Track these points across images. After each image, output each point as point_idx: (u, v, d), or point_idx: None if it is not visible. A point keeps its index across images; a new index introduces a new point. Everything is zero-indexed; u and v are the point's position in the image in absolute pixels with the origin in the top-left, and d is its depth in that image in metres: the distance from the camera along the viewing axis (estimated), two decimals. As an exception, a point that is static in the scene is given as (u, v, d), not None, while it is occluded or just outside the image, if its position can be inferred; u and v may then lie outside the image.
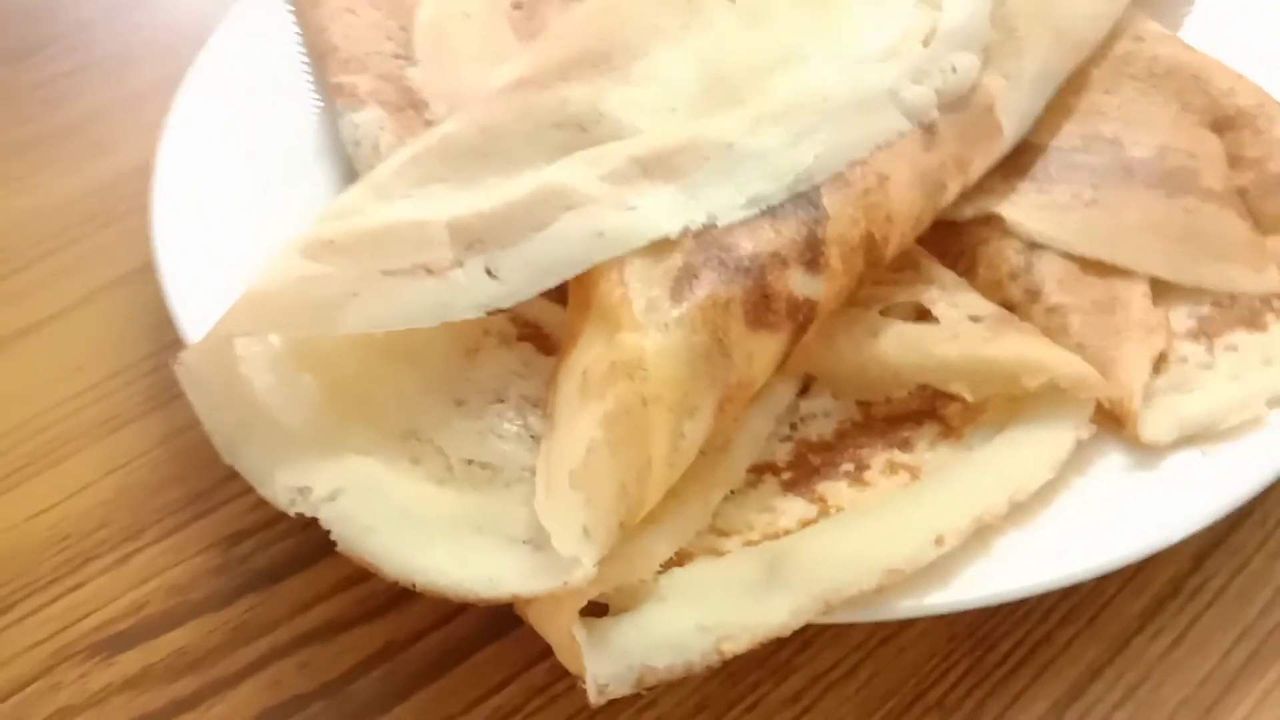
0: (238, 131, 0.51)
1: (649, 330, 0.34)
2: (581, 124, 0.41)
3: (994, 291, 0.43)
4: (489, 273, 0.37)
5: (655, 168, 0.39)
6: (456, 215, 0.38)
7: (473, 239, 0.37)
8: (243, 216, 0.47)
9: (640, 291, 0.35)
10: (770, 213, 0.38)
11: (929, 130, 0.42)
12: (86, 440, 0.44)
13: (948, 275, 0.42)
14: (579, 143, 0.41)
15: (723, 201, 0.38)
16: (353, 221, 0.38)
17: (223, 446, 0.36)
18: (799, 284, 0.37)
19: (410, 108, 0.49)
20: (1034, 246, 0.43)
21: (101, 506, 0.42)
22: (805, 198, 0.39)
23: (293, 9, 0.55)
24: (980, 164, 0.43)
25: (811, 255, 0.37)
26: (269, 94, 0.53)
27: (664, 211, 0.38)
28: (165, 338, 0.43)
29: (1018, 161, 0.45)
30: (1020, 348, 0.38)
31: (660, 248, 0.37)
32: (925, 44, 0.44)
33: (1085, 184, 0.44)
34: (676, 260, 0.36)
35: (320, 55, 0.52)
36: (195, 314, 0.42)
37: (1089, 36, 0.47)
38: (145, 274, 0.45)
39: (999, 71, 0.45)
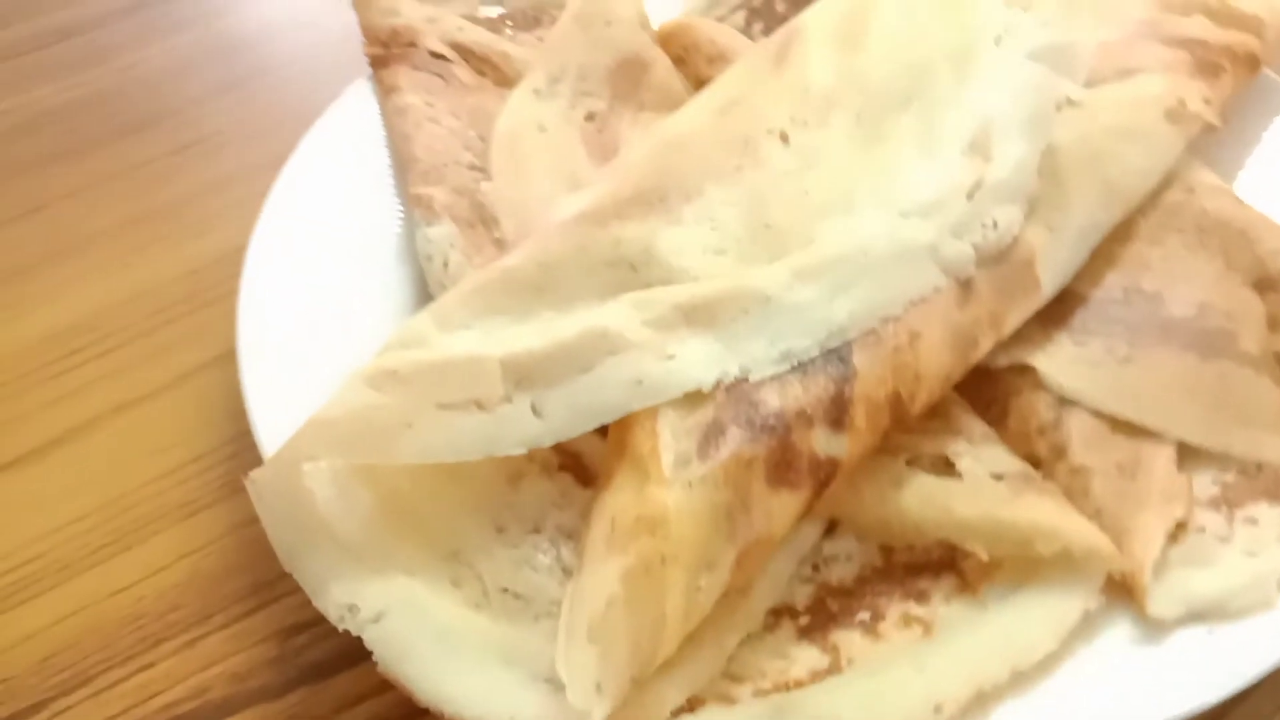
0: (328, 228, 0.55)
1: (674, 487, 0.37)
2: (632, 264, 0.44)
3: (1022, 444, 0.44)
4: (534, 410, 0.40)
5: (696, 316, 0.42)
6: (509, 352, 0.41)
7: (522, 376, 0.40)
8: (324, 315, 0.51)
9: (670, 444, 0.38)
10: (801, 368, 0.40)
11: (965, 286, 0.44)
12: (166, 523, 0.49)
13: (976, 427, 0.44)
14: (629, 282, 0.44)
15: (757, 354, 0.40)
16: (415, 353, 0.41)
17: (284, 556, 0.39)
18: (822, 443, 0.39)
19: (481, 224, 0.52)
20: (1064, 401, 0.44)
21: (175, 589, 0.46)
22: (836, 354, 0.41)
23: (382, 115, 0.59)
24: (1016, 319, 0.44)
25: (837, 414, 0.39)
26: (362, 191, 0.56)
27: (700, 362, 0.40)
28: (244, 425, 0.47)
29: (1057, 310, 0.46)
30: (1037, 513, 0.40)
31: (693, 399, 0.39)
32: (970, 197, 0.45)
33: (1121, 339, 0.45)
34: (707, 414, 0.39)
35: (403, 163, 0.55)
36: (269, 411, 0.46)
37: (1138, 189, 0.48)
38: (232, 358, 0.49)
39: (1043, 223, 0.46)
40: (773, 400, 0.39)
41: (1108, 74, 0.51)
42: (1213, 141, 0.52)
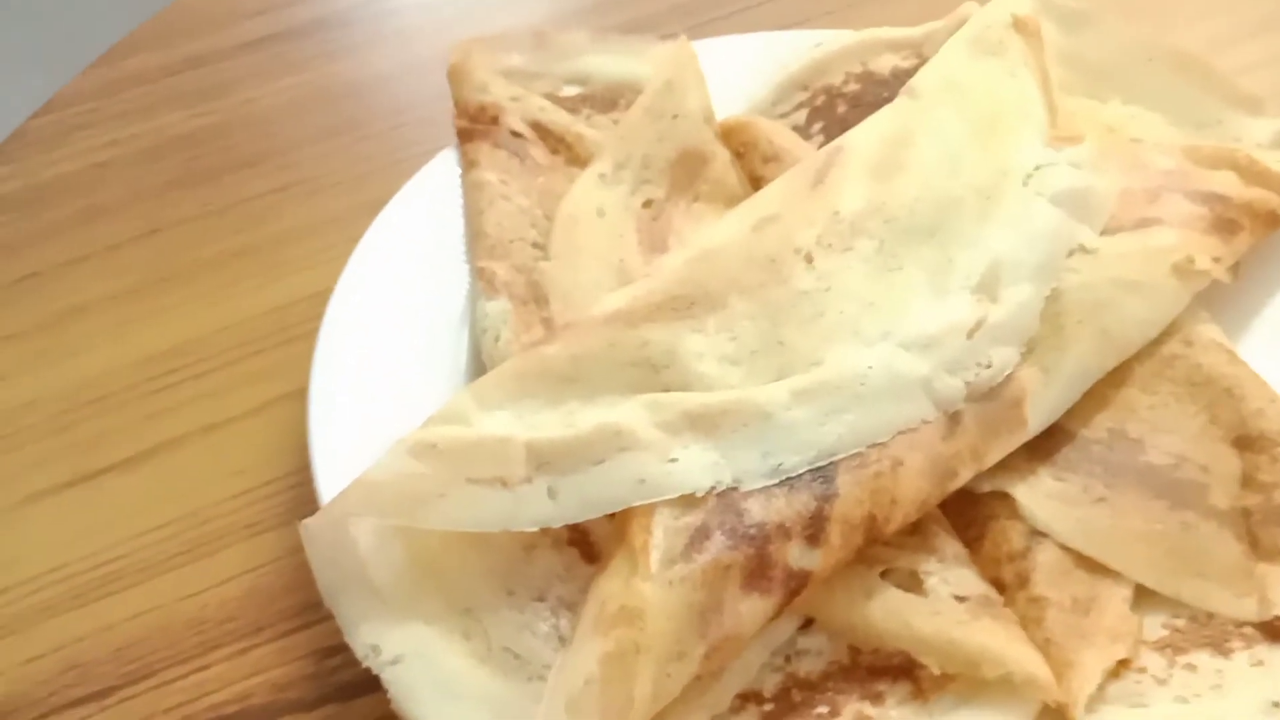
0: (405, 285, 0.61)
1: (657, 583, 0.42)
2: (655, 365, 0.49)
3: (992, 568, 0.48)
4: (550, 493, 0.46)
5: (701, 423, 0.47)
6: (535, 438, 0.47)
7: (543, 461, 0.46)
8: (391, 367, 0.57)
9: (660, 542, 0.43)
10: (788, 483, 0.45)
11: (953, 419, 0.48)
12: (234, 539, 0.56)
13: (949, 547, 0.48)
14: (649, 382, 0.49)
15: (750, 466, 0.45)
16: (453, 429, 0.47)
17: (326, 594, 0.46)
18: (796, 556, 0.44)
19: (534, 301, 0.58)
20: (1036, 533, 0.48)
21: (235, 601, 0.53)
22: (822, 473, 0.46)
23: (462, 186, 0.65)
24: (998, 453, 0.49)
25: (814, 530, 0.44)
26: (440, 255, 0.62)
27: (698, 468, 0.45)
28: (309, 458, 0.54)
29: (1043, 443, 0.50)
30: (987, 638, 0.44)
31: (688, 501, 0.45)
32: (970, 335, 0.50)
33: (1099, 480, 0.49)
34: (697, 517, 0.44)
35: (474, 236, 0.62)
36: (329, 456, 0.52)
37: (1136, 340, 0.52)
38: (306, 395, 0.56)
39: (1038, 364, 0.50)
40: (757, 511, 0.44)
41: (1125, 223, 0.55)
42: (1227, 289, 0.55)
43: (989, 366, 0.49)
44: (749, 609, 0.43)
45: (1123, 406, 0.51)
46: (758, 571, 0.43)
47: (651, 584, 0.42)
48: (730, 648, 0.43)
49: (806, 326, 0.51)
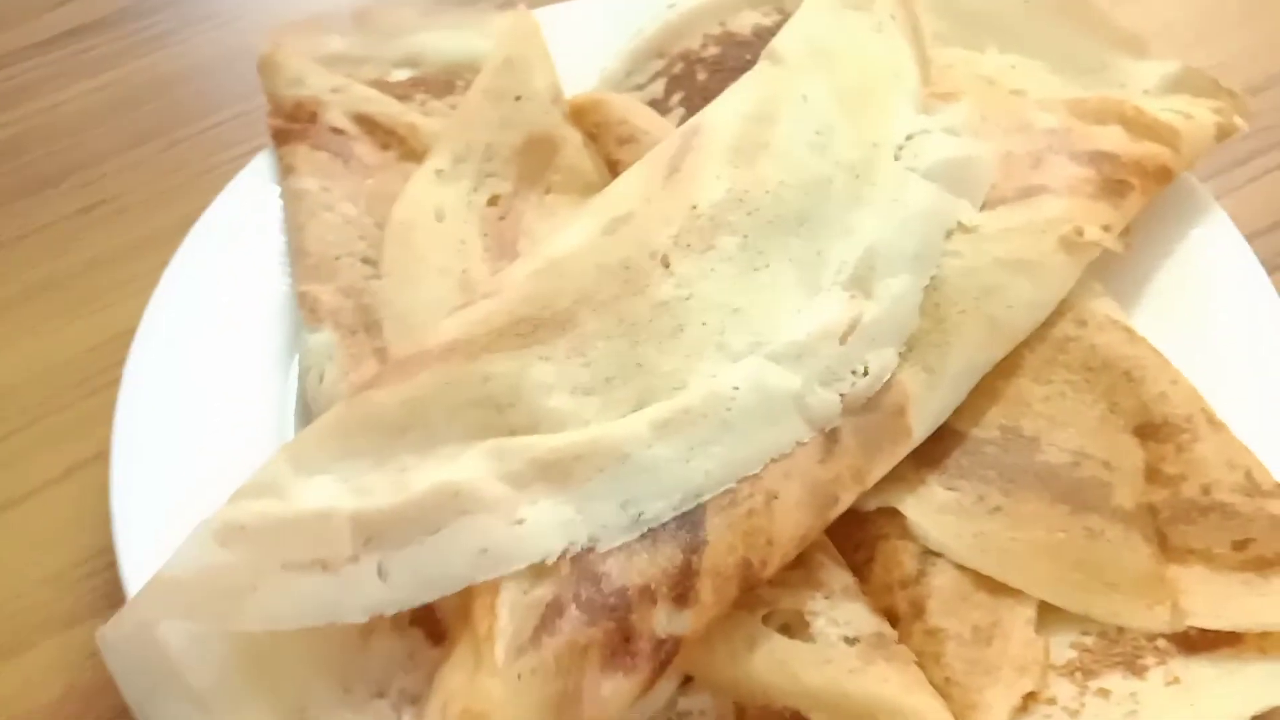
0: (219, 316, 0.54)
1: (505, 678, 0.37)
2: (498, 405, 0.43)
3: (884, 595, 0.44)
4: (380, 573, 0.40)
5: (552, 472, 0.41)
6: (360, 508, 0.41)
7: (371, 534, 0.40)
8: (207, 417, 0.51)
9: (507, 627, 0.38)
10: (651, 535, 0.40)
11: (830, 437, 0.43)
12: (44, 633, 0.49)
13: (836, 580, 0.43)
14: (493, 424, 0.43)
15: (608, 520, 0.40)
16: (266, 503, 0.41)
17: (136, 708, 0.39)
18: (664, 623, 0.39)
19: (364, 330, 0.51)
20: (929, 553, 0.44)
21: (49, 706, 0.47)
22: (689, 518, 0.40)
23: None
24: (881, 470, 0.44)
25: (683, 589, 0.39)
26: (260, 273, 0.55)
27: (548, 529, 0.40)
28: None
29: (931, 447, 0.46)
30: (882, 689, 0.40)
31: (537, 572, 0.39)
32: (843, 340, 0.45)
33: (994, 486, 0.45)
34: (548, 590, 0.39)
35: (295, 255, 0.55)
36: (135, 527, 0.46)
37: (1025, 325, 0.47)
38: (120, 453, 0.49)
39: (920, 364, 0.46)
40: (616, 574, 0.39)
41: (1008, 193, 0.50)
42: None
43: (865, 374, 0.44)
44: (613, 691, 0.38)
45: (1015, 400, 0.47)
46: (620, 648, 0.38)
47: (498, 680, 0.36)
48: (595, 734, 0.38)
49: (666, 344, 0.45)
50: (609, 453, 0.41)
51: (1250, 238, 0.55)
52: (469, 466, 0.41)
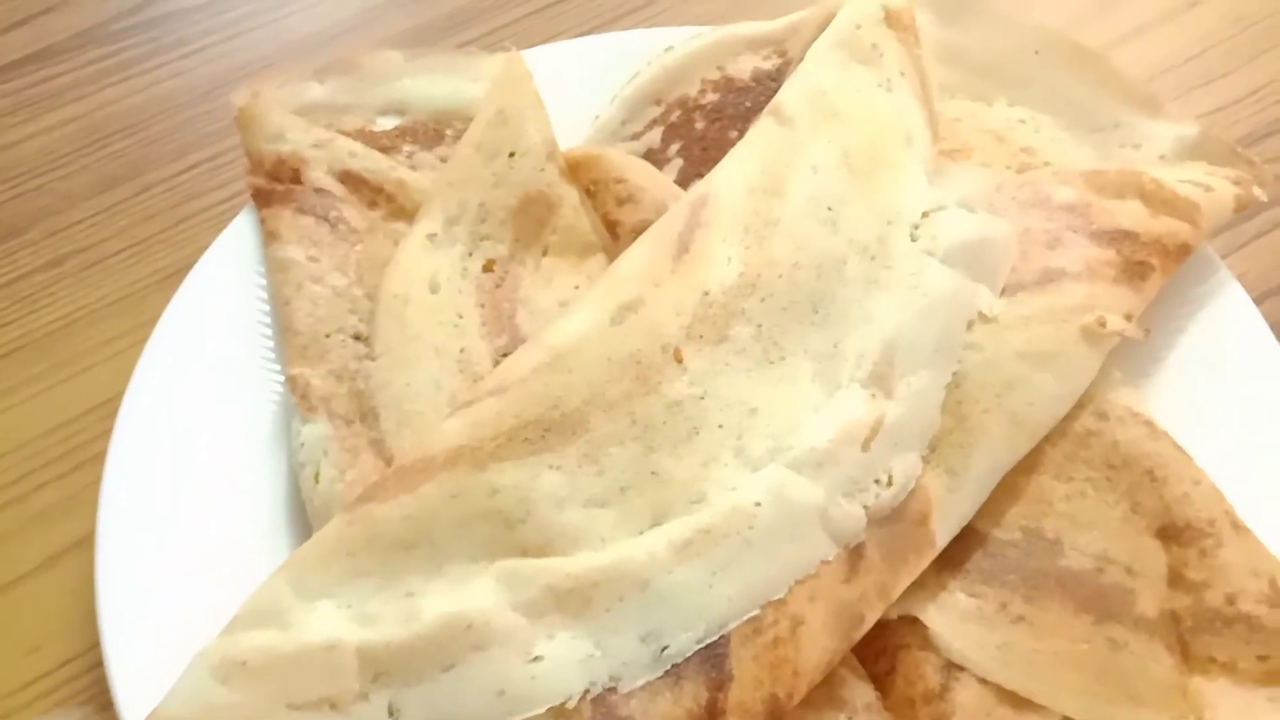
0: (209, 390, 0.51)
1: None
2: (508, 520, 0.42)
3: (906, 709, 0.43)
4: (391, 712, 0.38)
5: (569, 601, 0.40)
6: (367, 641, 0.39)
7: (380, 670, 0.39)
8: (198, 504, 0.48)
9: (529, 775, 0.36)
10: (674, 672, 0.39)
11: (855, 553, 0.42)
12: (30, 744, 0.47)
13: (859, 696, 0.42)
14: (504, 541, 0.42)
15: (629, 655, 0.39)
16: (267, 636, 0.39)
17: None
18: (688, 763, 0.37)
19: (359, 419, 0.49)
20: (952, 666, 0.43)
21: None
22: (713, 651, 0.39)
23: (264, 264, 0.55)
24: (905, 583, 0.43)
25: (709, 729, 0.38)
26: (253, 342, 0.53)
27: (567, 667, 0.38)
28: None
29: (953, 551, 0.45)
30: (910, 819, 0.39)
31: (557, 715, 0.38)
32: (865, 446, 0.43)
33: (1017, 593, 0.44)
34: (570, 739, 0.37)
35: (282, 332, 0.52)
36: (125, 629, 0.44)
37: (1048, 420, 0.46)
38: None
39: (942, 466, 0.44)
40: (640, 718, 0.38)
41: (1026, 277, 0.48)
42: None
43: (890, 484, 0.43)
44: (639, 844, 0.37)
45: (1037, 499, 0.46)
46: (647, 797, 0.37)
47: (521, 837, 0.35)
48: None
49: (682, 448, 0.43)
50: (629, 579, 0.40)
51: (1259, 299, 0.54)
52: (480, 594, 0.40)
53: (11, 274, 0.61)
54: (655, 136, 0.61)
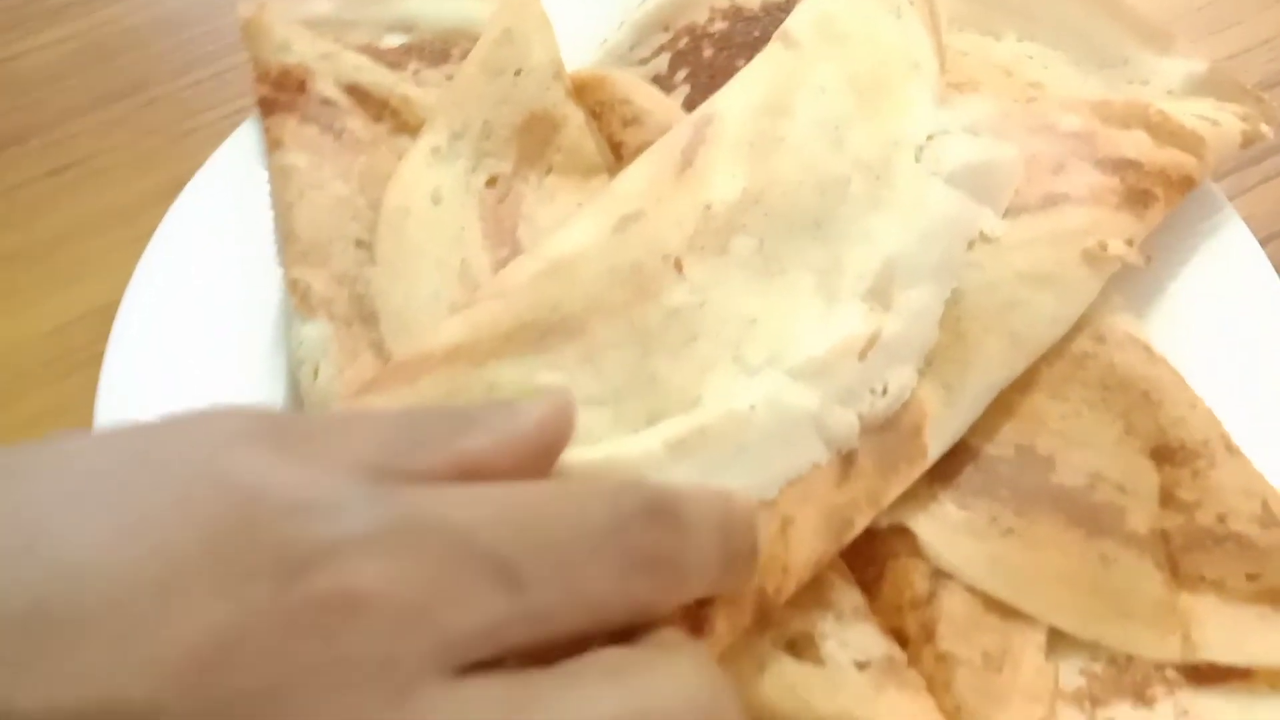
0: (207, 295, 0.51)
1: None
2: (504, 414, 0.42)
3: (894, 615, 0.43)
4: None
5: (562, 493, 0.40)
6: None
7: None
8: (192, 396, 0.48)
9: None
10: (664, 564, 0.39)
11: (847, 460, 0.42)
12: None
13: (846, 599, 0.43)
14: (499, 435, 0.42)
15: (620, 545, 0.39)
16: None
17: None
18: (676, 653, 0.38)
19: (360, 321, 0.49)
20: (940, 573, 0.43)
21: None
22: (703, 545, 0.39)
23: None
24: (895, 491, 0.43)
25: (696, 619, 0.38)
26: (253, 248, 0.53)
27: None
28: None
29: (945, 464, 0.45)
30: (893, 716, 0.39)
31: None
32: (862, 356, 0.43)
33: (1008, 506, 0.44)
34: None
35: (284, 238, 0.52)
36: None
37: (1045, 340, 0.46)
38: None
39: (939, 381, 0.44)
40: (629, 604, 0.38)
41: (1030, 200, 0.48)
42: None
43: (885, 393, 0.43)
44: (625, 725, 0.37)
45: (1031, 417, 0.46)
46: (633, 680, 0.37)
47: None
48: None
49: (680, 354, 0.43)
50: (623, 474, 0.40)
51: (1265, 241, 0.54)
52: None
53: (12, 180, 0.61)
54: (663, 62, 0.61)
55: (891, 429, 0.43)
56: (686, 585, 0.28)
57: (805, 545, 0.40)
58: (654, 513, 0.29)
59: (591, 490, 0.31)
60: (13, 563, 0.24)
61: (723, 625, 0.38)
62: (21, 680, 0.22)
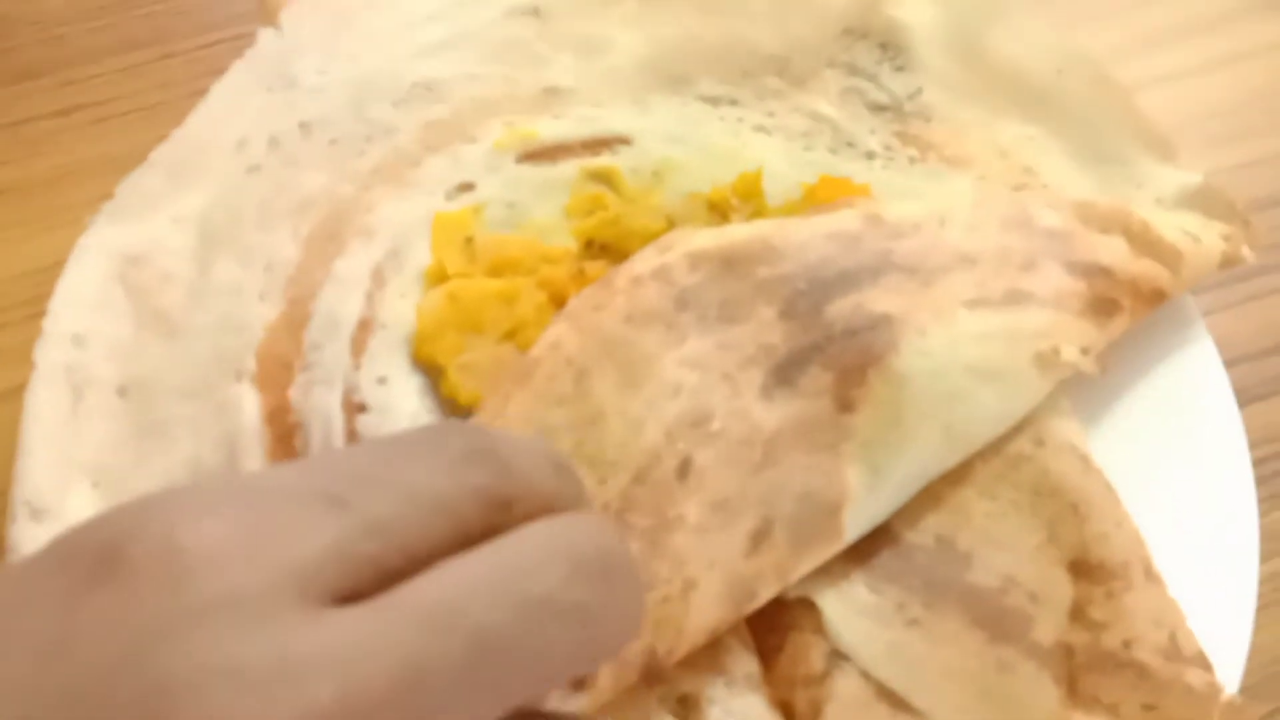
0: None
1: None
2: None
3: (786, 688, 0.43)
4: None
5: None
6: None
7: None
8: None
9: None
10: (558, 609, 0.39)
11: (761, 532, 0.42)
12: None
13: (740, 666, 0.43)
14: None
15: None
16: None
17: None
18: (557, 704, 0.38)
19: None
20: (838, 655, 0.43)
21: None
22: (600, 596, 0.40)
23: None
24: (805, 570, 0.43)
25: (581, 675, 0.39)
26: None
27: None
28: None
29: (863, 543, 0.45)
30: (759, 796, 0.40)
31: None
32: (794, 429, 0.43)
33: (918, 597, 0.44)
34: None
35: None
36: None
37: (983, 436, 0.46)
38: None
39: (868, 462, 0.44)
40: (515, 645, 0.38)
41: (994, 295, 0.48)
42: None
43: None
44: (491, 764, 0.37)
45: (957, 510, 0.46)
46: (506, 722, 0.37)
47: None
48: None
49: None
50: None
51: (1232, 362, 0.54)
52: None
53: (20, 115, 0.62)
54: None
55: (809, 501, 0.43)
56: (516, 478, 0.27)
57: (705, 611, 0.41)
58: (468, 429, 0.28)
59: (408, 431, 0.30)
60: None
61: (607, 681, 0.39)
62: None
